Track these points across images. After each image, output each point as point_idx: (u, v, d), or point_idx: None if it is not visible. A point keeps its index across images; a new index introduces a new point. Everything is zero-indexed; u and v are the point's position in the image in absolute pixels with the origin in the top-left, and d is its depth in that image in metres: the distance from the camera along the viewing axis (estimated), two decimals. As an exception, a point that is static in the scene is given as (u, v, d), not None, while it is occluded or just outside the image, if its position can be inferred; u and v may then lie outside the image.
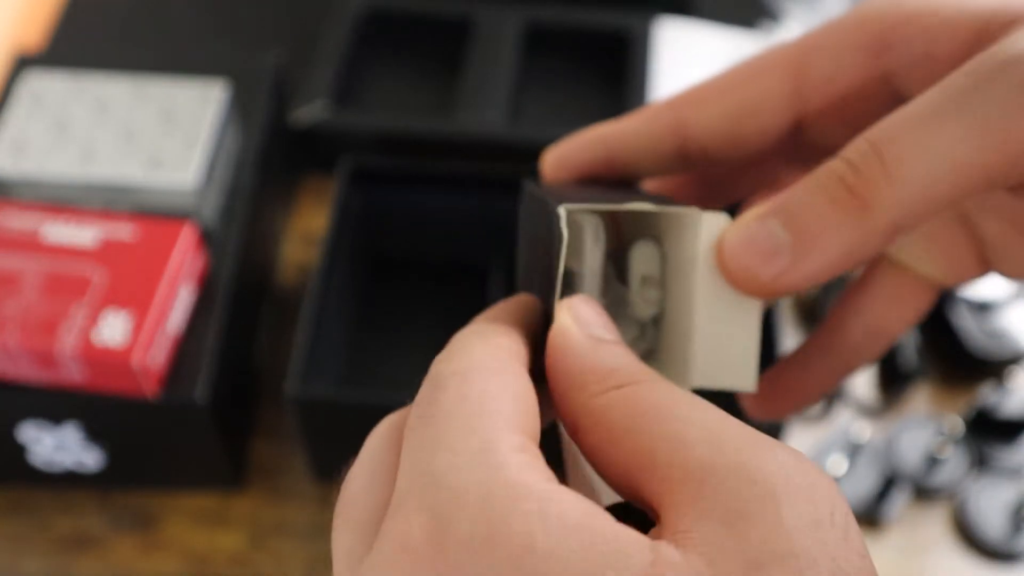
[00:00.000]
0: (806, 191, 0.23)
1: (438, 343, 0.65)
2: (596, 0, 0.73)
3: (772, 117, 0.27)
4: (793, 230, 0.22)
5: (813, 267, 0.22)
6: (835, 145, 0.25)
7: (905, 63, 0.25)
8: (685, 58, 0.73)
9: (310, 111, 0.64)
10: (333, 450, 0.52)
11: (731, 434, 0.19)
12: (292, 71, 0.66)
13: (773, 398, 0.30)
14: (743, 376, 0.23)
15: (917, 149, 0.22)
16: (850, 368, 0.30)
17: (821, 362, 0.30)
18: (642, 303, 0.25)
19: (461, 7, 0.71)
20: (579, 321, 0.22)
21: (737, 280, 0.23)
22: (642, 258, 0.25)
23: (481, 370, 0.20)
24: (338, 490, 0.23)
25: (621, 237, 0.26)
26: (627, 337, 0.25)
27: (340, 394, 0.51)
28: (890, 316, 0.29)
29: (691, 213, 0.23)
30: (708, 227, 0.23)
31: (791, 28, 0.72)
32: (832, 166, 0.23)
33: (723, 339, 0.23)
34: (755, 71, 0.27)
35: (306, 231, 0.65)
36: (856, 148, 0.22)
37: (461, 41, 0.70)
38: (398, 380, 0.57)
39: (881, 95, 0.26)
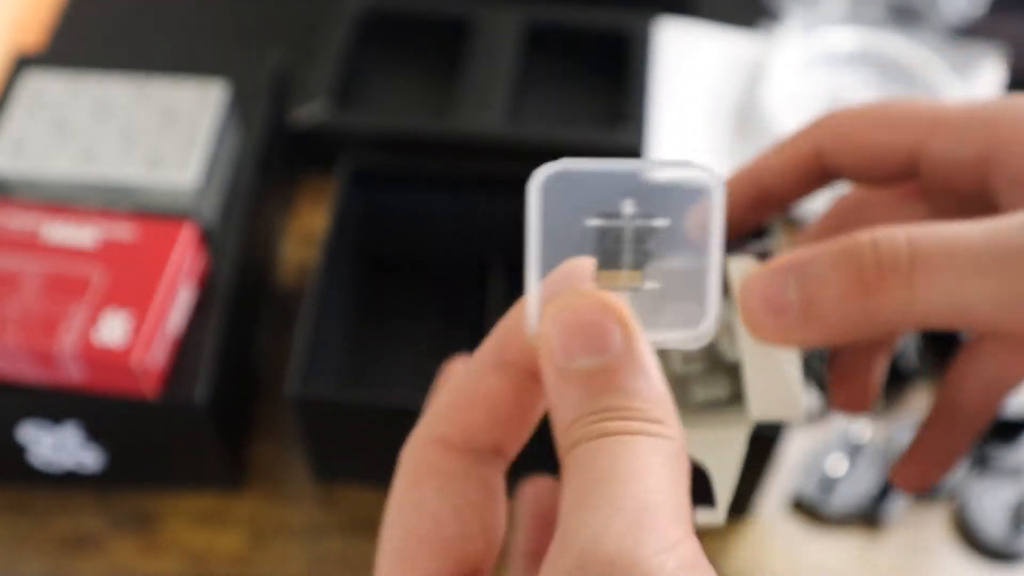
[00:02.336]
0: (826, 260, 0.24)
1: (438, 343, 0.65)
2: (596, 0, 0.73)
3: (899, 166, 0.28)
4: (803, 293, 0.23)
5: (813, 334, 0.23)
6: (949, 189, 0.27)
7: (1006, 179, 0.26)
8: (685, 58, 0.73)
9: (310, 111, 0.64)
10: (333, 450, 0.52)
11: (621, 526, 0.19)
12: (292, 71, 0.66)
13: (917, 473, 0.31)
14: (792, 408, 0.24)
15: (947, 280, 0.22)
16: (976, 427, 0.31)
17: (950, 428, 0.31)
18: (725, 349, 0.26)
19: (461, 7, 0.71)
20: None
21: (750, 325, 0.24)
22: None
23: (396, 505, 0.22)
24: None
25: None
26: (720, 383, 0.26)
27: (340, 394, 0.51)
28: (1004, 370, 0.30)
29: (725, 258, 0.24)
30: (736, 271, 0.24)
31: (791, 28, 0.72)
32: (861, 246, 0.23)
33: (769, 376, 0.24)
34: (890, 121, 0.29)
35: (306, 231, 0.65)
36: (891, 241, 0.23)
37: (461, 41, 0.70)
38: (398, 380, 0.57)
39: (979, 181, 0.27)
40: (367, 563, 0.52)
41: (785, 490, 0.54)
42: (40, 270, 0.48)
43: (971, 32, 0.74)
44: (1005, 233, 0.23)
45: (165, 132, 0.54)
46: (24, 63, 0.60)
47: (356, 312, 0.60)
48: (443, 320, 0.60)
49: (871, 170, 0.29)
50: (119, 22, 0.76)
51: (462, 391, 0.21)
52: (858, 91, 0.70)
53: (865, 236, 0.23)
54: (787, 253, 0.25)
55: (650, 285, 0.21)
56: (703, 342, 0.21)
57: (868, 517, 0.53)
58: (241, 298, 0.54)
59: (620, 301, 0.20)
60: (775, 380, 0.24)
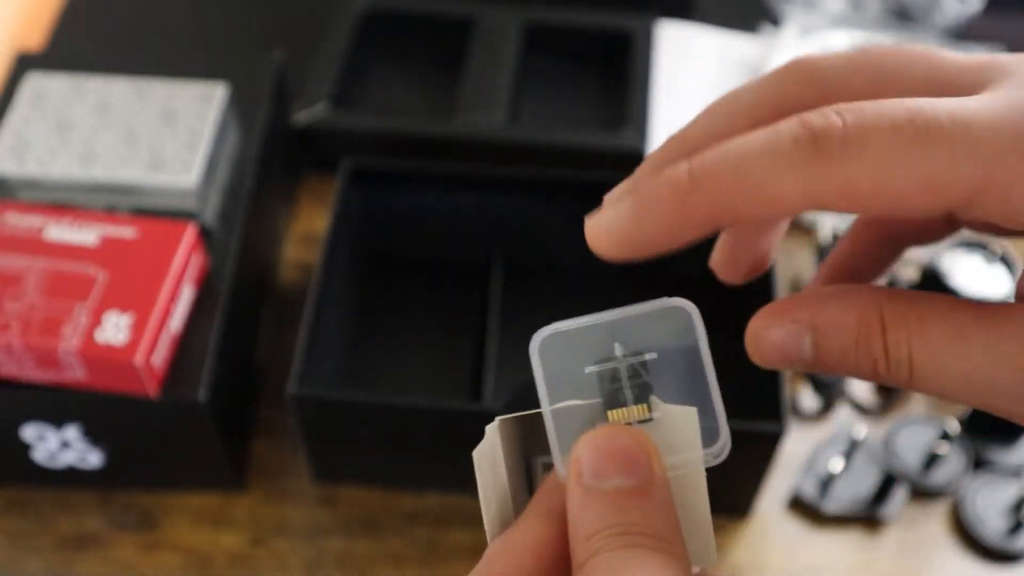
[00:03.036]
0: (845, 346, 0.24)
1: (438, 343, 0.65)
2: (596, 1, 0.73)
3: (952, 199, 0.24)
4: (817, 359, 0.24)
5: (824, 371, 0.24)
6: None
7: None
8: (685, 60, 0.73)
9: (311, 112, 0.65)
10: (333, 450, 0.52)
11: None
12: (292, 72, 0.66)
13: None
14: (707, 558, 0.24)
15: (943, 356, 0.22)
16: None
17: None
18: None
19: (461, 7, 0.71)
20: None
21: (760, 360, 0.25)
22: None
23: None
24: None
25: None
26: None
27: (340, 394, 0.51)
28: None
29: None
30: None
31: (790, 30, 0.72)
32: (874, 346, 0.23)
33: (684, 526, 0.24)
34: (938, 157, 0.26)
35: (306, 231, 0.65)
36: (898, 352, 0.23)
37: (461, 41, 0.70)
38: (398, 380, 0.57)
39: None
40: (367, 563, 0.52)
41: (784, 489, 0.54)
42: (43, 271, 0.48)
43: (968, 34, 0.74)
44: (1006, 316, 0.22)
45: (166, 133, 0.54)
46: (26, 64, 0.60)
47: (356, 312, 0.60)
48: (443, 320, 0.60)
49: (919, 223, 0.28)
50: (120, 23, 0.77)
51: (512, 539, 0.24)
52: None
53: (876, 326, 0.23)
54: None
55: (658, 415, 0.23)
56: (723, 458, 0.23)
57: (866, 515, 0.53)
58: (242, 298, 0.54)
59: (643, 432, 0.23)
60: (690, 531, 0.24)
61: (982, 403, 0.22)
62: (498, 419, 0.25)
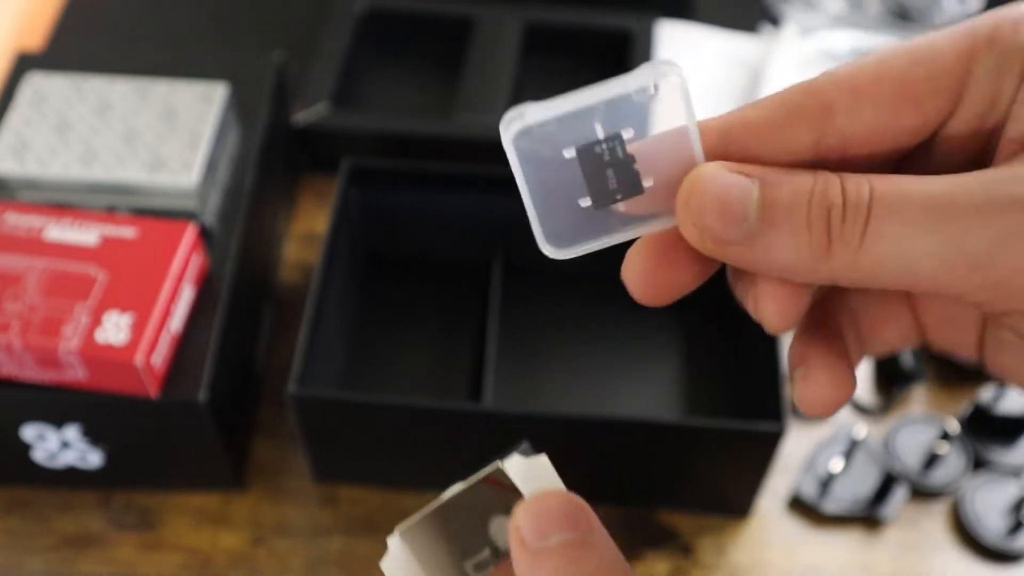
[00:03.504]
0: (797, 194, 0.22)
1: (438, 343, 0.65)
2: (596, 1, 0.73)
3: (936, 110, 0.24)
4: (763, 219, 0.22)
5: (759, 257, 0.22)
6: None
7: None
8: (685, 60, 0.73)
9: (311, 112, 0.65)
10: (333, 450, 0.53)
11: None
12: (292, 72, 0.66)
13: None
14: None
15: (901, 242, 0.21)
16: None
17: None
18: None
19: (461, 7, 0.71)
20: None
21: (691, 225, 0.22)
22: (499, 531, 0.28)
23: None
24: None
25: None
26: None
27: (340, 394, 0.51)
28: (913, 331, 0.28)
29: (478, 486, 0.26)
30: (516, 474, 0.26)
31: (790, 30, 0.72)
32: (831, 191, 0.22)
33: None
34: (925, 51, 0.24)
35: (306, 231, 0.65)
36: (858, 192, 0.22)
37: (461, 41, 0.70)
38: (398, 380, 0.57)
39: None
40: (367, 563, 0.52)
41: (784, 489, 0.54)
42: (43, 271, 0.48)
43: (969, 33, 0.74)
44: (965, 186, 0.21)
45: (166, 133, 0.54)
46: (26, 64, 0.60)
47: (356, 312, 0.60)
48: (443, 320, 0.60)
49: (889, 132, 0.24)
50: (120, 23, 0.77)
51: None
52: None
53: (834, 183, 0.22)
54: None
55: (647, 183, 0.23)
56: None
57: (866, 515, 0.53)
58: (242, 298, 0.54)
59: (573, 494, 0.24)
60: None
61: (922, 286, 0.21)
62: (399, 531, 0.26)
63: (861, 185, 0.22)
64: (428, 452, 0.52)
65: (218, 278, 0.52)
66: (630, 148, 0.23)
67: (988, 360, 0.26)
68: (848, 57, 0.71)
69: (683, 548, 0.53)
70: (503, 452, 0.26)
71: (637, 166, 0.23)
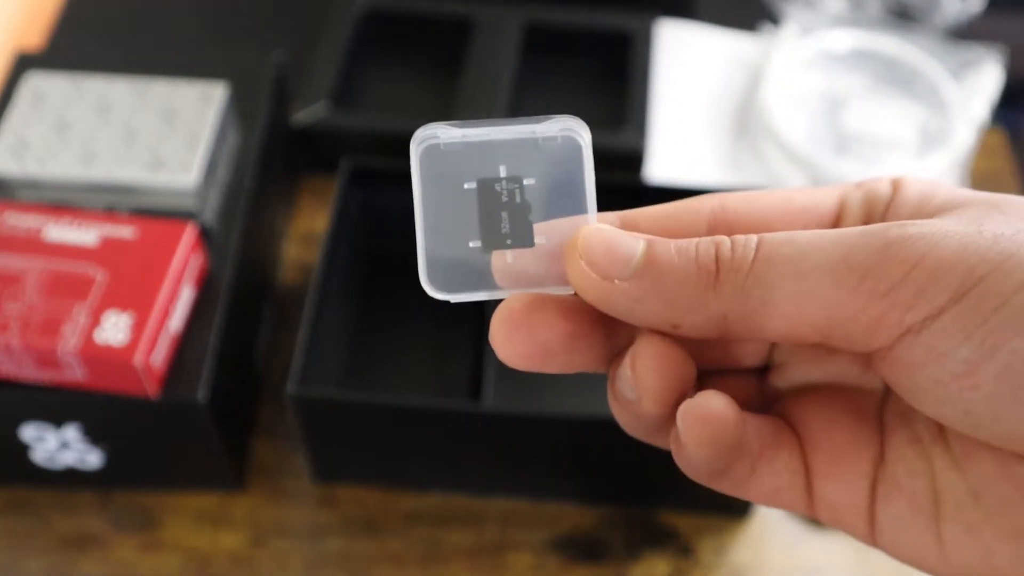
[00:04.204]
0: (687, 243, 0.23)
1: (438, 343, 0.65)
2: (596, 1, 0.73)
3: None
4: (649, 258, 0.22)
5: (637, 301, 0.22)
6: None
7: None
8: (685, 59, 0.73)
9: (311, 112, 0.65)
10: (333, 450, 0.52)
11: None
12: (292, 72, 0.66)
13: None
14: None
15: (787, 279, 0.21)
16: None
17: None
18: None
19: (461, 7, 0.71)
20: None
21: (578, 274, 0.23)
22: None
23: None
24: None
25: None
26: None
27: (340, 394, 0.51)
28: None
29: None
30: None
31: (790, 29, 0.72)
32: (719, 238, 0.23)
33: None
34: (803, 196, 0.26)
35: (306, 231, 0.65)
36: (747, 237, 0.22)
37: (461, 41, 0.70)
38: (398, 380, 0.57)
39: None
40: (367, 563, 0.52)
41: (784, 490, 0.54)
42: (43, 271, 0.48)
43: (969, 33, 0.74)
44: (850, 239, 0.21)
45: (166, 133, 0.54)
46: (26, 64, 0.60)
47: (356, 312, 0.60)
48: (443, 320, 0.60)
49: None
50: (120, 23, 0.77)
51: None
52: (856, 92, 0.70)
53: (722, 236, 0.23)
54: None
55: (538, 240, 0.23)
56: None
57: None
58: (241, 298, 0.54)
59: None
60: None
61: (813, 312, 0.21)
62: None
63: (750, 237, 0.22)
64: (428, 452, 0.52)
65: (218, 278, 0.52)
66: (528, 196, 0.23)
67: (880, 525, 0.23)
68: (848, 57, 0.71)
69: (683, 548, 0.53)
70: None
71: (531, 217, 0.23)
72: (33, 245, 0.49)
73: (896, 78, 0.70)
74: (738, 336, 0.22)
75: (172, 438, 0.51)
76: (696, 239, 0.23)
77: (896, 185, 0.25)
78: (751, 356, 0.27)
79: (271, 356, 0.59)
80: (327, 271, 0.52)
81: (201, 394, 0.48)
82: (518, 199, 0.23)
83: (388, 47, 0.73)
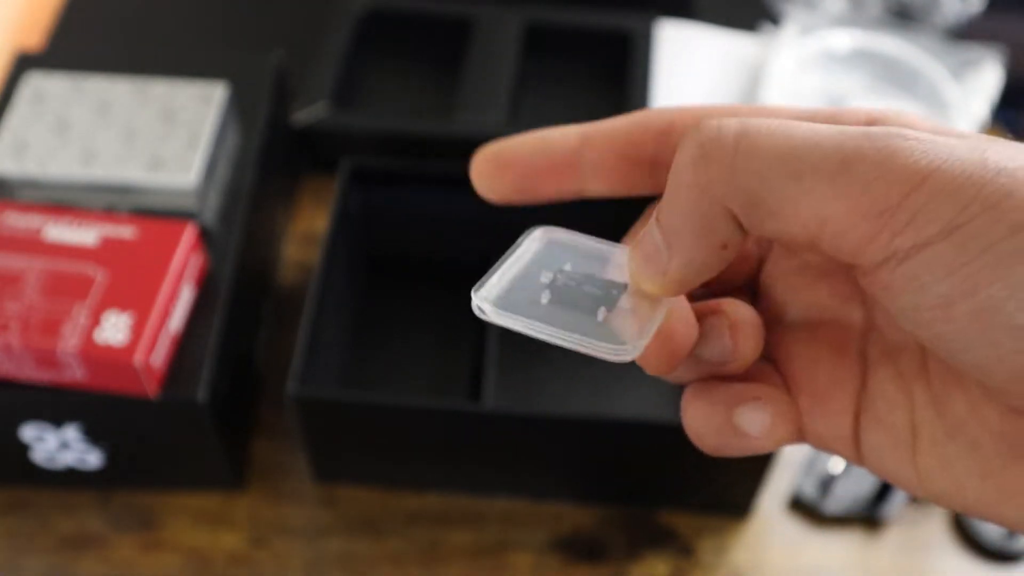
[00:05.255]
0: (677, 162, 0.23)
1: (438, 343, 0.65)
2: (596, 1, 0.73)
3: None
4: (662, 229, 0.23)
5: (680, 258, 0.23)
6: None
7: None
8: (685, 59, 0.73)
9: (311, 111, 0.65)
10: (333, 450, 0.52)
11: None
12: (292, 72, 0.66)
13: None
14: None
15: (776, 172, 0.21)
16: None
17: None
18: None
19: (461, 7, 0.71)
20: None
21: (639, 279, 0.24)
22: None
23: None
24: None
25: None
26: None
27: (340, 394, 0.51)
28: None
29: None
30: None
31: (790, 29, 0.72)
32: (700, 130, 0.23)
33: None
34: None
35: (306, 231, 0.65)
36: (723, 124, 0.22)
37: (461, 41, 0.70)
38: (398, 380, 0.57)
39: None
40: (367, 563, 0.52)
41: (784, 489, 0.54)
42: (42, 270, 0.48)
43: (969, 33, 0.74)
44: (852, 141, 0.20)
45: (166, 133, 0.54)
46: (25, 63, 0.60)
47: (356, 312, 0.60)
48: (443, 320, 0.60)
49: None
50: (120, 22, 0.77)
51: None
52: (857, 92, 0.70)
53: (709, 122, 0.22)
54: None
55: (601, 316, 0.24)
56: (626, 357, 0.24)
57: (867, 516, 0.53)
58: (241, 298, 0.54)
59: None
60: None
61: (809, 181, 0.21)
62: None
63: (727, 120, 0.22)
64: (428, 452, 0.52)
65: (218, 278, 0.52)
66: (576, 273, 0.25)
67: (864, 451, 0.25)
68: (848, 56, 0.71)
69: (683, 548, 0.53)
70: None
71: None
72: (33, 245, 0.49)
73: (896, 78, 0.70)
74: (754, 233, 0.22)
75: (172, 438, 0.51)
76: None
77: (899, 114, 0.25)
78: (737, 274, 0.28)
79: (271, 356, 0.59)
80: (327, 271, 0.52)
81: (201, 394, 0.48)
82: (583, 289, 0.25)
83: (388, 47, 0.73)
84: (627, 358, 0.24)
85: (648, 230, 0.23)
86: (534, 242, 0.26)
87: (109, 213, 0.52)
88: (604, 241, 0.26)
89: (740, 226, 0.22)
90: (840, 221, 0.20)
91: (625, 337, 0.24)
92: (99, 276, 0.48)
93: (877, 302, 0.24)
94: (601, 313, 0.24)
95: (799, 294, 0.27)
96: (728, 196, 0.21)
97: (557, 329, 0.24)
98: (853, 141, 0.20)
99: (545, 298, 0.25)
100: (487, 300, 0.25)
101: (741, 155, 0.21)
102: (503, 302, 0.25)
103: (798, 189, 0.20)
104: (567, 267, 0.25)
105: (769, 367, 0.26)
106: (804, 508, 0.54)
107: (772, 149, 0.21)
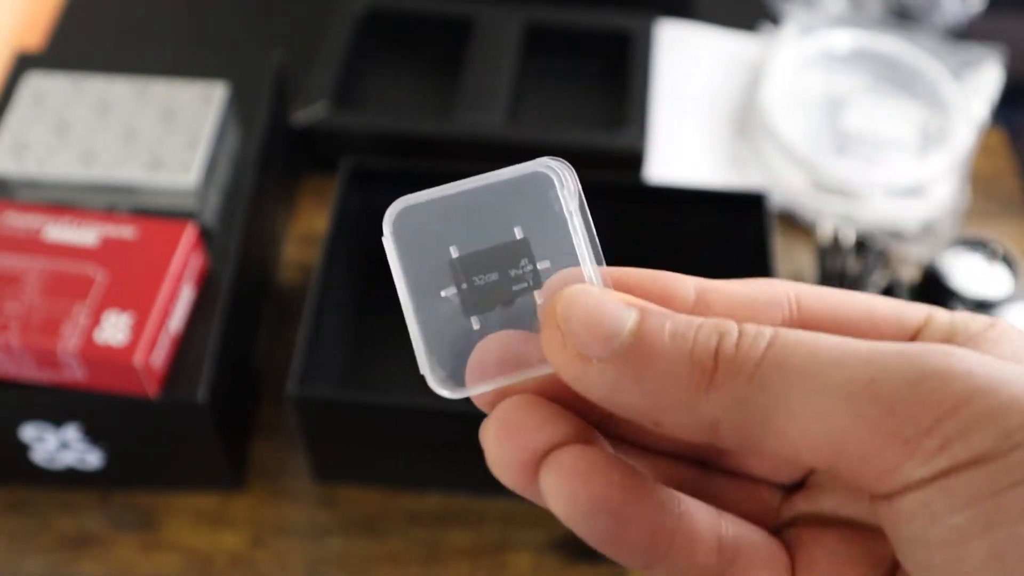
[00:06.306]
0: (682, 321, 0.19)
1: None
2: (596, 0, 0.73)
3: None
4: (638, 337, 0.19)
5: (616, 387, 0.19)
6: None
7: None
8: (685, 59, 0.73)
9: (311, 112, 0.65)
10: (333, 450, 0.52)
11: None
12: (292, 71, 0.66)
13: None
14: None
15: (806, 392, 0.18)
16: None
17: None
18: None
19: (461, 7, 0.71)
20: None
21: (553, 341, 0.19)
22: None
23: None
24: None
25: None
26: None
27: (340, 394, 0.51)
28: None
29: None
30: None
31: (790, 29, 0.72)
32: (724, 325, 0.19)
33: None
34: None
35: (306, 231, 0.65)
36: (759, 328, 0.19)
37: (461, 41, 0.70)
38: (398, 380, 0.57)
39: None
40: (367, 563, 0.52)
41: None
42: (42, 271, 0.48)
43: (969, 33, 0.74)
44: (882, 358, 0.18)
45: (166, 133, 0.54)
46: (26, 64, 0.60)
47: (356, 312, 0.60)
48: (443, 320, 0.60)
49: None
50: (120, 23, 0.77)
51: None
52: (857, 92, 0.70)
53: (730, 325, 0.19)
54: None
55: (522, 300, 0.21)
56: None
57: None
58: (241, 298, 0.54)
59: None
60: None
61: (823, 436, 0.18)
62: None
63: (762, 330, 0.19)
64: (428, 452, 0.52)
65: (218, 278, 0.52)
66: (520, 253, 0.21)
67: None
68: (848, 56, 0.71)
69: (683, 548, 0.52)
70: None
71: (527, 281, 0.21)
72: (33, 245, 0.49)
73: (896, 78, 0.70)
74: (731, 447, 0.19)
75: (172, 438, 0.51)
76: (699, 320, 0.19)
77: (993, 327, 0.20)
78: (783, 472, 0.24)
79: (271, 356, 0.59)
80: (327, 271, 0.52)
81: (201, 394, 0.48)
82: (503, 260, 0.21)
83: (388, 47, 0.73)
84: (440, 391, 0.21)
85: (622, 304, 0.19)
86: (390, 247, 0.22)
87: (109, 213, 0.52)
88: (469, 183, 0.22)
89: (711, 434, 0.19)
90: (859, 447, 0.18)
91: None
92: (99, 276, 0.48)
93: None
94: (538, 297, 0.21)
95: (841, 495, 0.23)
96: (727, 406, 0.18)
97: (532, 369, 0.20)
98: (883, 359, 0.18)
99: (476, 323, 0.21)
100: (435, 384, 0.22)
101: (765, 366, 0.18)
102: (447, 371, 0.21)
103: (812, 408, 0.18)
104: (453, 253, 0.21)
105: (781, 556, 0.22)
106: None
107: (796, 364, 0.18)
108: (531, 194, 0.21)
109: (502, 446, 0.20)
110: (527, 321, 0.21)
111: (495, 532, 0.53)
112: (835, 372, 0.18)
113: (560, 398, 0.21)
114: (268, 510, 0.54)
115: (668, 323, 0.19)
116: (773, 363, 0.18)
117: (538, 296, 0.21)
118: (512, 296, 0.21)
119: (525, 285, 0.21)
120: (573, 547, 0.52)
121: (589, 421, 0.21)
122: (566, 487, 0.20)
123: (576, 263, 0.21)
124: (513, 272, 0.21)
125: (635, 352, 0.19)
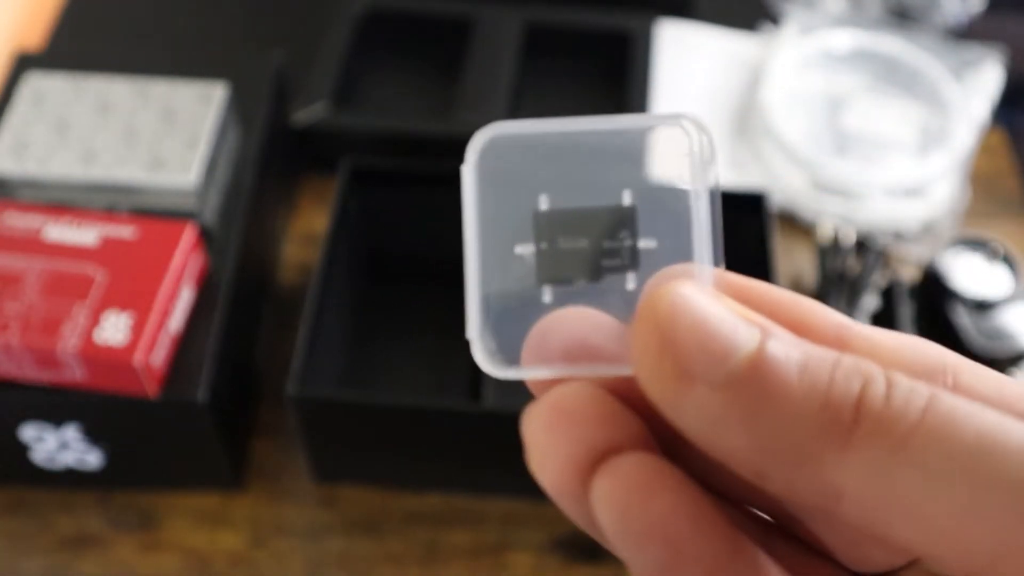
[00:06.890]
0: (820, 360, 0.15)
1: (437, 343, 0.65)
2: (596, 1, 0.73)
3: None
4: (756, 364, 0.15)
5: (722, 428, 0.15)
6: None
7: None
8: (685, 59, 0.73)
9: (310, 112, 0.65)
10: (333, 450, 0.52)
11: None
12: (292, 71, 0.66)
13: None
14: None
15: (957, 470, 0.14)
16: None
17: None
18: None
19: (461, 7, 0.71)
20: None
21: (650, 356, 0.15)
22: None
23: None
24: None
25: None
26: None
27: (340, 394, 0.51)
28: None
29: None
30: None
31: (790, 29, 0.72)
32: (870, 371, 0.15)
33: None
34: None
35: (306, 231, 0.65)
36: (911, 393, 0.15)
37: (461, 41, 0.70)
38: (398, 380, 0.57)
39: None
40: (367, 563, 0.52)
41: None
42: (42, 270, 0.48)
43: (969, 33, 0.74)
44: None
45: (166, 133, 0.54)
46: (26, 64, 0.60)
47: (356, 312, 0.60)
48: (442, 320, 0.60)
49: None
50: (120, 23, 0.77)
51: None
52: (857, 92, 0.70)
53: (879, 376, 0.15)
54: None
55: (631, 284, 0.17)
56: None
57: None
58: (241, 298, 0.54)
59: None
60: None
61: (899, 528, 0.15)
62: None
63: (917, 386, 0.15)
64: (428, 452, 0.52)
65: (218, 278, 0.52)
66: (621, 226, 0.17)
67: None
68: (848, 56, 0.71)
69: (683, 548, 0.52)
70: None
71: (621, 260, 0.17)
72: (33, 245, 0.49)
73: (896, 78, 0.70)
74: (846, 522, 0.16)
75: (172, 438, 0.51)
76: (837, 356, 0.15)
77: None
78: (875, 560, 0.18)
79: (271, 356, 0.59)
80: (327, 271, 0.52)
81: (201, 394, 0.48)
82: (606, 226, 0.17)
83: (388, 47, 0.73)
84: (484, 365, 0.17)
85: (734, 329, 0.15)
86: (469, 180, 0.18)
87: (109, 213, 0.52)
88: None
89: (830, 504, 0.15)
90: (1002, 551, 0.14)
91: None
92: (99, 276, 0.48)
93: None
94: (631, 280, 0.17)
95: None
96: (863, 475, 0.15)
97: (606, 366, 0.17)
98: None
99: (548, 294, 0.17)
100: (481, 354, 0.18)
101: (922, 434, 0.14)
102: (500, 343, 0.18)
103: (980, 502, 0.14)
104: (542, 204, 0.17)
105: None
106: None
107: (965, 441, 0.14)
108: (654, 154, 0.17)
109: (553, 436, 0.16)
110: (611, 306, 0.17)
111: (495, 532, 0.53)
112: (1013, 460, 0.14)
113: (626, 397, 0.17)
114: (268, 510, 0.54)
115: (798, 352, 0.15)
116: (933, 433, 0.14)
117: (631, 280, 0.17)
118: (600, 272, 0.17)
119: (619, 262, 0.17)
120: (574, 547, 0.52)
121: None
122: (621, 498, 0.15)
123: (690, 256, 0.17)
124: (607, 244, 0.17)
125: (753, 382, 0.15)
